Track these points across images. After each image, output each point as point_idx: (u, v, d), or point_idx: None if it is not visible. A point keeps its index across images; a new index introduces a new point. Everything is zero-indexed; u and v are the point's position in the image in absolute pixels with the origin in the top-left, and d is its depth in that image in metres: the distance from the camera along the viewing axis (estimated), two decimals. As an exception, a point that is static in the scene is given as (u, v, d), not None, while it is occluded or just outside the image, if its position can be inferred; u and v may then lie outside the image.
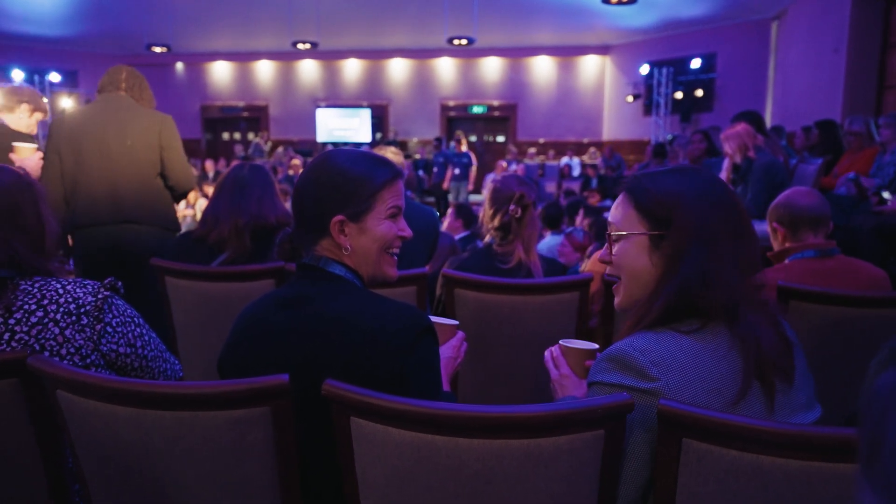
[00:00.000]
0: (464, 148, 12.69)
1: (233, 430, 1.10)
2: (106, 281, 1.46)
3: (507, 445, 0.98)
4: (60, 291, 1.40)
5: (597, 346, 1.39)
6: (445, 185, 12.33)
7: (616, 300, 1.27)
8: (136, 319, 1.50)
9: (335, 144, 14.83)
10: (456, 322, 1.53)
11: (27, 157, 2.79)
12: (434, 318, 1.48)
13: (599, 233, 4.41)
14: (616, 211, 1.24)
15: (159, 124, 3.05)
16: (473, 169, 12.25)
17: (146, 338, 1.50)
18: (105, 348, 1.41)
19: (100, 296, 1.42)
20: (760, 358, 1.07)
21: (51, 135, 3.00)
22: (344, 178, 1.26)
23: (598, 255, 2.38)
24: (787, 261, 2.20)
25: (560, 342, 1.40)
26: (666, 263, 1.14)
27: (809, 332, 2.00)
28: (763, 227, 3.05)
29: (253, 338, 1.27)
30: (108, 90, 3.10)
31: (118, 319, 1.44)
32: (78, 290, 1.42)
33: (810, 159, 5.07)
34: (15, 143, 2.83)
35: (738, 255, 1.12)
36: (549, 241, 4.95)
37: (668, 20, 13.26)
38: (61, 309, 1.38)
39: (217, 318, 2.30)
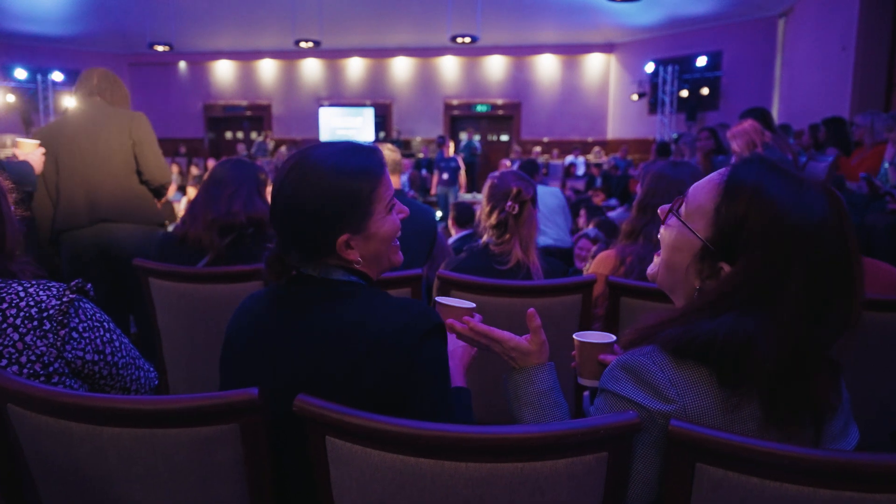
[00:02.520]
0: (451, 152, 12.14)
1: (198, 449, 0.99)
2: (73, 283, 1.35)
3: (498, 469, 0.88)
4: (21, 294, 1.30)
5: (613, 337, 1.27)
6: (433, 190, 11.77)
7: (650, 268, 1.10)
8: (105, 324, 1.39)
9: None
10: (472, 305, 1.36)
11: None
12: (448, 300, 1.37)
13: (609, 232, 4.30)
14: (702, 187, 0.99)
15: (129, 121, 3.09)
16: (462, 173, 11.82)
17: (116, 343, 1.40)
18: (70, 355, 1.31)
19: (65, 299, 1.32)
20: (817, 411, 0.93)
21: None
22: (335, 193, 1.12)
23: (602, 255, 2.28)
24: (801, 262, 2.09)
25: (574, 336, 1.29)
26: (713, 299, 0.93)
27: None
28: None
29: (252, 341, 1.17)
30: (81, 98, 3.17)
31: (85, 324, 1.34)
32: (41, 292, 1.31)
33: (819, 156, 4.96)
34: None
35: (814, 322, 0.88)
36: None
37: (673, 18, 13.14)
38: (21, 313, 1.27)
39: (204, 321, 2.20)
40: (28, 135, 14.33)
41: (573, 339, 1.30)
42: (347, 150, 1.19)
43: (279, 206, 1.16)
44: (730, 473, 0.86)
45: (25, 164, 2.82)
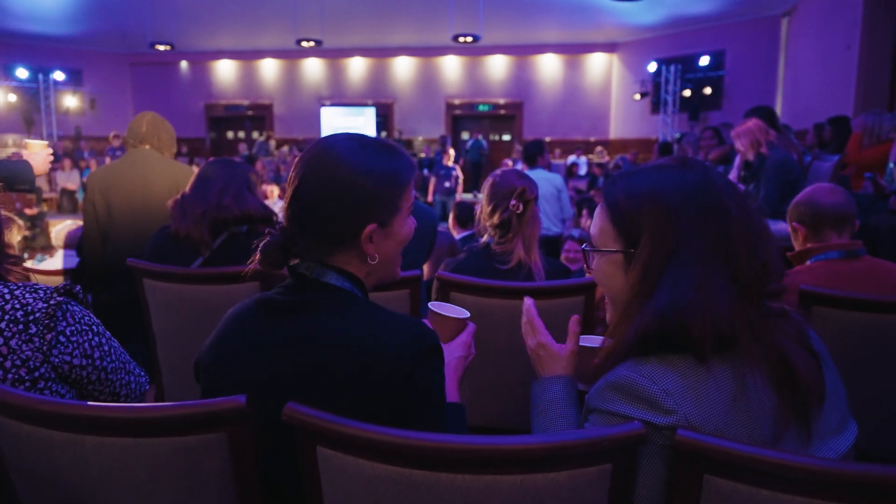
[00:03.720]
0: (450, 161, 11.64)
1: (183, 458, 0.96)
2: (60, 285, 1.32)
3: (497, 482, 0.84)
4: (7, 297, 1.26)
5: (610, 340, 1.24)
6: (430, 196, 11.33)
7: (606, 315, 1.13)
8: (94, 328, 1.35)
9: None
10: (466, 314, 1.34)
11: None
12: (441, 309, 1.33)
13: None
14: (594, 221, 1.09)
15: (176, 174, 3.23)
16: (460, 183, 11.46)
17: (105, 348, 1.36)
18: (57, 360, 1.27)
19: (52, 302, 1.28)
20: (798, 388, 0.91)
21: (87, 186, 3.26)
22: (371, 180, 1.08)
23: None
24: (808, 262, 2.05)
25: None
26: (637, 284, 0.98)
27: (834, 341, 1.84)
28: (777, 227, 2.89)
29: (240, 346, 1.11)
30: (132, 144, 3.30)
31: (73, 328, 1.30)
32: (28, 295, 1.28)
33: (825, 156, 4.91)
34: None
35: (731, 274, 0.94)
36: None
37: (676, 17, 13.10)
38: (7, 316, 1.24)
39: (200, 323, 2.16)
40: (30, 134, 14.35)
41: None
42: (381, 146, 1.15)
43: (301, 191, 1.10)
44: (739, 485, 0.82)
45: (23, 163, 2.78)
